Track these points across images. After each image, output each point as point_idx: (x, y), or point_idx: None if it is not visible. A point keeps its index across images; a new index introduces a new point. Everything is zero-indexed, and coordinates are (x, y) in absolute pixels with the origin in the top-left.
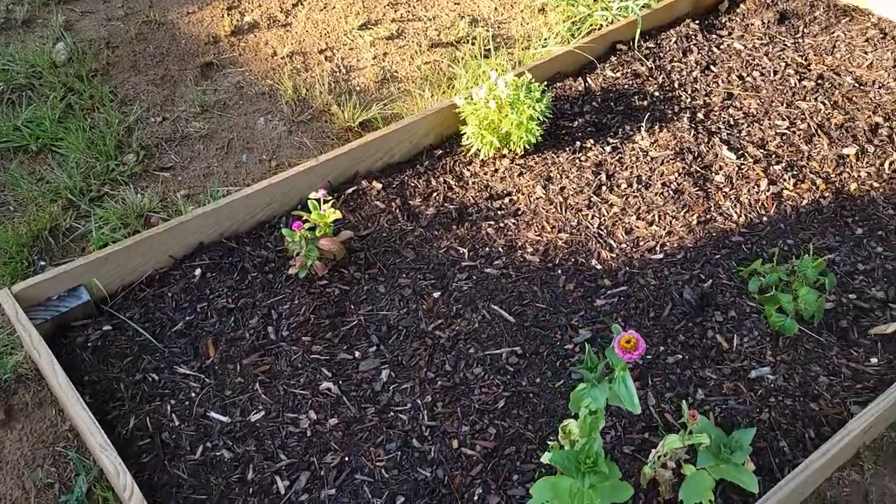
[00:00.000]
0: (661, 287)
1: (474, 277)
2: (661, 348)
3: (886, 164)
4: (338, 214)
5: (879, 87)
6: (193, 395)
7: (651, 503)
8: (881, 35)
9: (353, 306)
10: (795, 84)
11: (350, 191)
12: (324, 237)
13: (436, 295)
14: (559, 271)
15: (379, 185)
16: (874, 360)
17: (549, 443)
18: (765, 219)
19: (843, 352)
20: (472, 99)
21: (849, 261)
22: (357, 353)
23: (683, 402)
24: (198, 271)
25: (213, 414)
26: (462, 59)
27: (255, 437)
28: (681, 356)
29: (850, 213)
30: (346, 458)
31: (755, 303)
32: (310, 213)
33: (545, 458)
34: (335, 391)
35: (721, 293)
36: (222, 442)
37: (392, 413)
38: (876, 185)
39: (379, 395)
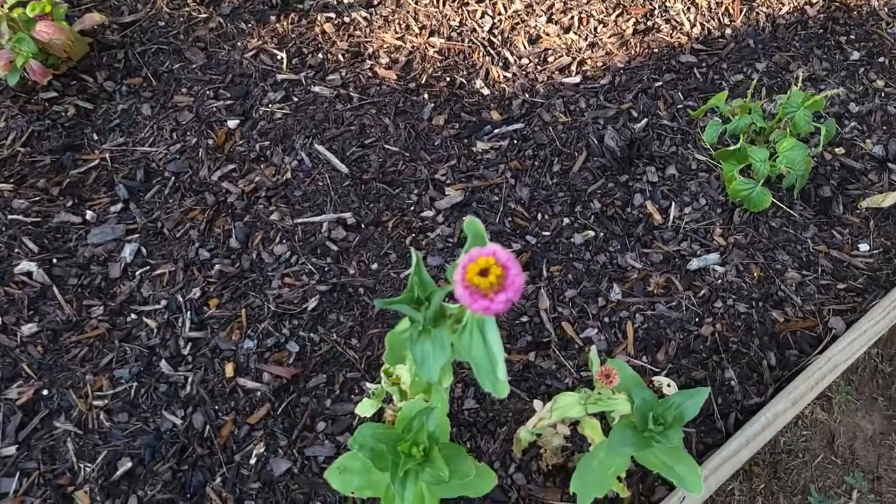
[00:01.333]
0: (575, 126)
1: (294, 99)
2: (566, 220)
3: None
4: None
5: None
6: None
7: (529, 467)
8: None
9: (95, 136)
10: None
11: None
12: (44, 19)
13: (231, 124)
14: (425, 96)
15: None
16: (864, 248)
17: (368, 387)
18: (728, 31)
19: (823, 233)
20: None
21: (838, 99)
22: (89, 214)
23: (593, 348)
24: None
25: None
26: None
27: None
28: (593, 233)
29: (843, 29)
30: (45, 393)
31: (706, 156)
32: None
33: (360, 410)
34: (41, 277)
35: (658, 139)
36: None
37: (133, 316)
38: None
39: (116, 285)
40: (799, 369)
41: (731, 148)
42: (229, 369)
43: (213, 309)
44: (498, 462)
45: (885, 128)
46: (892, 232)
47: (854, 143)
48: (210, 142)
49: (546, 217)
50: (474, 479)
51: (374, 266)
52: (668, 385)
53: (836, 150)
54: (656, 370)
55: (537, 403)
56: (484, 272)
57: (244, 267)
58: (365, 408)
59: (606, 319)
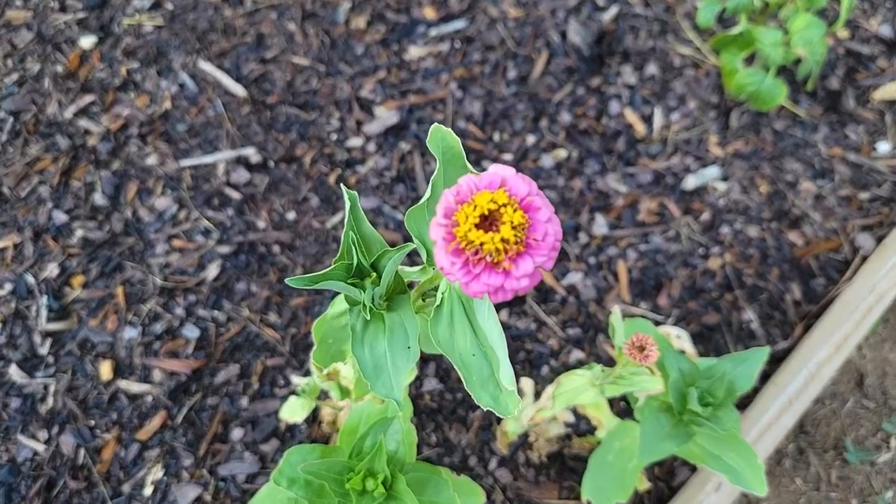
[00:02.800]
0: (529, 21)
1: (169, 6)
2: (531, 139)
3: None
4: None
5: None
6: None
7: (515, 459)
8: None
9: None
10: None
11: None
12: None
13: (86, 43)
14: None
15: None
16: (884, 147)
17: (295, 381)
18: None
19: (835, 133)
20: None
21: None
22: None
23: (615, 310)
24: None
25: None
26: None
27: None
28: (565, 152)
29: None
30: None
31: (692, 49)
32: None
33: (287, 413)
34: None
35: (632, 32)
36: None
37: None
38: None
39: None
40: (828, 301)
41: (733, 32)
42: (106, 370)
43: (78, 290)
44: (475, 457)
45: (889, 4)
46: None
47: (857, 24)
48: (59, 68)
49: (506, 136)
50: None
51: (291, 215)
52: (678, 336)
53: (840, 33)
54: (659, 318)
55: (526, 383)
56: (489, 220)
57: (116, 230)
58: (293, 410)
59: (592, 260)
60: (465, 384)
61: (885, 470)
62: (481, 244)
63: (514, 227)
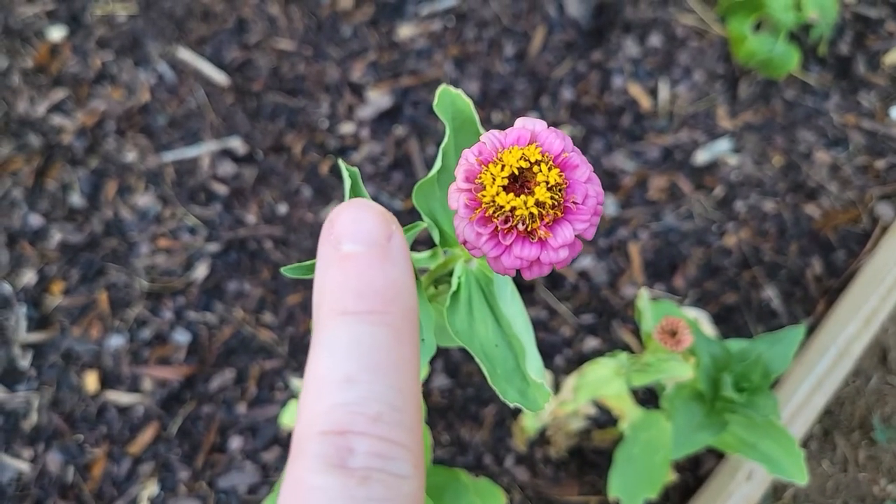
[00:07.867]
0: None
1: None
2: (532, 117)
3: None
4: None
5: None
6: None
7: (533, 456)
8: None
9: None
10: None
11: None
12: None
13: (56, 35)
14: None
15: None
16: None
17: (295, 384)
18: None
19: (847, 101)
20: None
21: None
22: None
23: (642, 293)
24: None
25: None
26: None
27: None
28: (569, 131)
29: None
30: None
31: (695, 18)
32: None
33: (289, 419)
34: None
35: (632, 1)
36: None
37: None
38: None
39: None
40: (850, 274)
41: None
42: (92, 381)
43: (59, 297)
44: (490, 455)
45: None
46: None
47: None
48: (29, 62)
49: (506, 116)
50: None
51: (283, 208)
52: (697, 318)
53: None
54: (676, 300)
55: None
56: (519, 182)
57: (97, 232)
58: (289, 416)
59: (602, 242)
60: (488, 378)
61: None
62: (512, 209)
63: (549, 189)
